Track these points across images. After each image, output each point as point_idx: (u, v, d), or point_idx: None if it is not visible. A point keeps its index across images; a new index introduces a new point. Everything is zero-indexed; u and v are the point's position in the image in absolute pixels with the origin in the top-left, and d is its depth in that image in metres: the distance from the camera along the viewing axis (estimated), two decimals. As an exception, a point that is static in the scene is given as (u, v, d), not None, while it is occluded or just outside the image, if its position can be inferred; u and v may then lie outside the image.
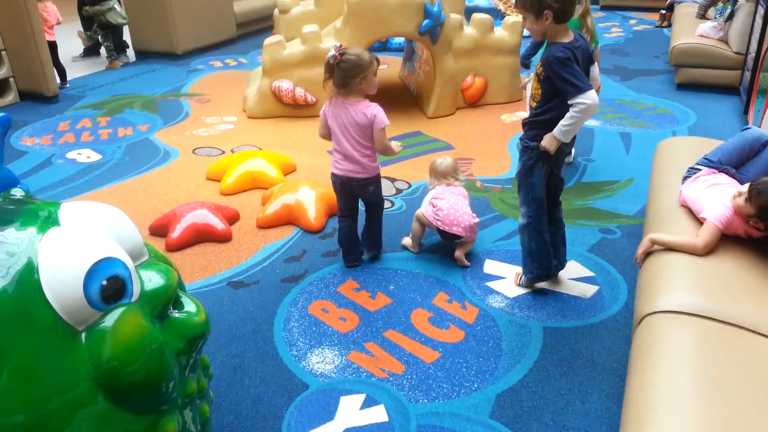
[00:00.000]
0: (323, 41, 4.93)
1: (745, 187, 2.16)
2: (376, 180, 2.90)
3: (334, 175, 2.90)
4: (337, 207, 2.99)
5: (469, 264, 3.03)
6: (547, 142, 2.46)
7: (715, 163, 2.53)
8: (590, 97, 2.34)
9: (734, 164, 2.52)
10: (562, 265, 2.84)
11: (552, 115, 2.44)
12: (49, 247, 1.40)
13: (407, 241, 3.16)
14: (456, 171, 3.17)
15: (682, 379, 1.67)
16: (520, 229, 2.73)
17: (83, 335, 1.40)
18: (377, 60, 2.76)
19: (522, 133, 2.62)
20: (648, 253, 2.31)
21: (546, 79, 2.40)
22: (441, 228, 2.96)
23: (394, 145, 2.85)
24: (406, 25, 4.65)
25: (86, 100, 5.70)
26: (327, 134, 2.89)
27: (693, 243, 2.18)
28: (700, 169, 2.53)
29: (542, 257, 2.71)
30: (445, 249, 3.13)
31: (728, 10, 5.34)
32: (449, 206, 2.96)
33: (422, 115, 5.08)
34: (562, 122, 2.40)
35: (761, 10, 4.68)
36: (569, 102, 2.36)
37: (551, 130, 2.44)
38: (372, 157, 2.84)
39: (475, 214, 3.06)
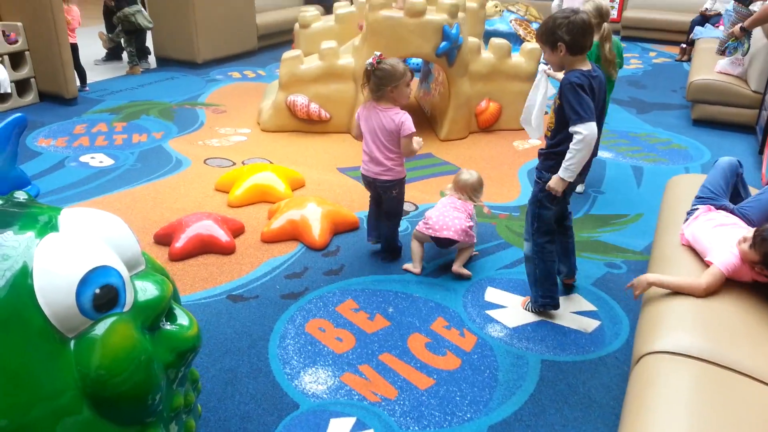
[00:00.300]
0: (341, 58, 4.96)
1: (751, 232, 2.14)
2: (399, 183, 3.04)
3: (362, 176, 3.11)
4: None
5: (470, 274, 3.07)
6: (555, 183, 2.50)
7: (708, 199, 2.53)
8: (589, 128, 2.37)
9: (726, 193, 2.56)
10: (572, 273, 2.95)
11: (567, 145, 2.45)
12: (45, 252, 1.40)
13: (408, 265, 3.15)
14: (474, 190, 3.22)
15: (676, 423, 1.64)
16: (525, 257, 2.76)
17: (72, 343, 1.40)
18: (411, 72, 2.94)
19: (538, 161, 2.66)
20: (651, 290, 2.28)
21: (559, 107, 2.46)
22: (432, 235, 3.03)
23: (416, 142, 2.97)
24: (423, 46, 4.67)
25: (104, 105, 5.77)
26: (359, 135, 3.05)
27: (695, 285, 2.15)
28: (697, 209, 2.53)
29: (546, 285, 2.72)
30: (447, 274, 3.11)
31: (745, 45, 5.30)
32: (438, 213, 3.07)
33: (434, 137, 5.08)
34: (564, 161, 2.44)
35: (781, 51, 4.66)
36: (570, 130, 2.40)
37: (551, 161, 2.51)
38: (397, 162, 2.99)
39: (470, 220, 3.07)
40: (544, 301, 2.75)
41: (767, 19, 4.98)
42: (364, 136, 2.98)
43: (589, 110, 2.38)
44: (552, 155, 2.54)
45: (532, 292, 2.80)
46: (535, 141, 5.01)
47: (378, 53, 2.92)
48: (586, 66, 2.45)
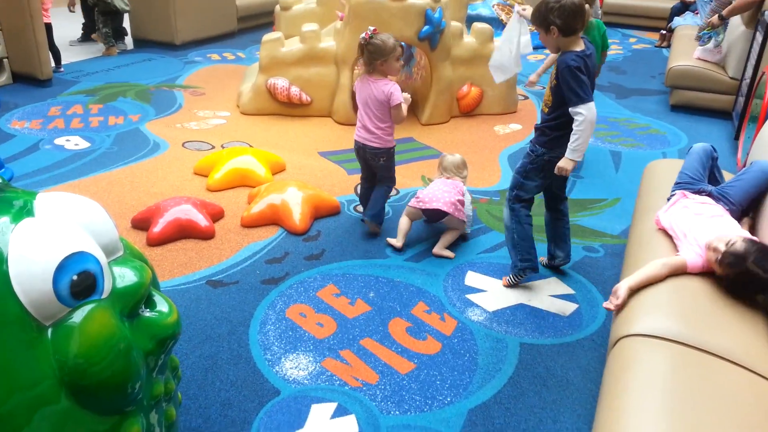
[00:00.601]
0: (322, 41, 4.91)
1: (722, 243, 2.11)
2: (387, 152, 3.20)
3: (355, 142, 3.27)
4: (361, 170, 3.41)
5: (452, 255, 3.13)
6: (564, 163, 2.60)
7: (687, 185, 2.56)
8: (589, 108, 2.48)
9: (704, 178, 2.60)
10: (568, 259, 3.00)
11: (562, 121, 2.58)
12: (21, 238, 1.37)
13: (391, 239, 3.20)
14: (459, 168, 3.33)
15: (652, 405, 1.67)
16: (505, 226, 2.88)
17: (49, 331, 1.38)
18: (401, 47, 3.11)
19: (534, 135, 2.78)
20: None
21: (557, 87, 2.56)
22: (422, 207, 3.11)
23: (405, 100, 3.11)
24: (405, 29, 4.64)
25: (80, 86, 5.66)
26: (355, 106, 3.29)
27: (658, 273, 2.18)
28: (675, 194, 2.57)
29: (524, 247, 2.80)
30: (428, 258, 3.12)
31: (720, 36, 5.36)
32: (429, 188, 3.19)
33: (416, 122, 5.07)
34: (570, 143, 2.55)
35: (759, 37, 4.71)
36: (570, 110, 2.51)
37: (561, 137, 2.60)
38: (386, 131, 3.16)
39: (460, 195, 3.13)
40: (524, 264, 2.81)
41: (746, 9, 5.03)
42: (359, 106, 3.18)
43: (589, 91, 2.49)
44: (547, 131, 2.66)
45: (512, 258, 2.87)
46: (516, 126, 5.04)
47: (372, 28, 3.05)
48: (580, 46, 2.54)
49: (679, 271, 2.19)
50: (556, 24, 2.46)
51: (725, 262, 2.07)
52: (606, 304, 2.20)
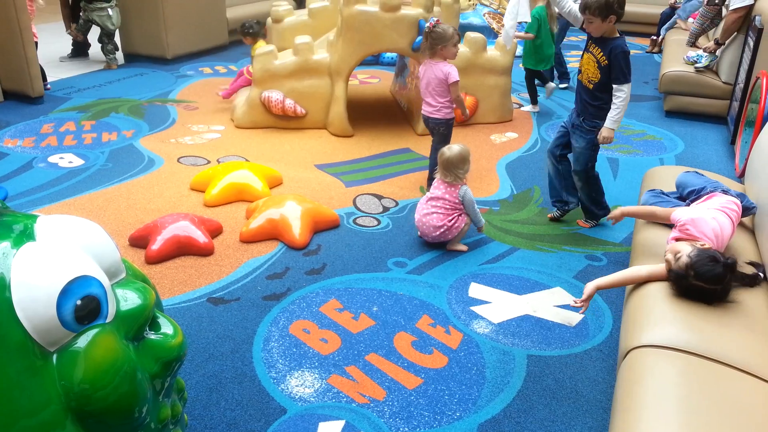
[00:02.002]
0: (315, 53, 4.90)
1: (672, 255, 2.16)
2: (446, 123, 3.80)
3: (422, 115, 3.91)
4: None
5: (465, 248, 3.28)
6: (607, 132, 3.20)
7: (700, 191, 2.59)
8: (629, 87, 3.10)
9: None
10: (578, 202, 3.57)
11: (606, 95, 3.15)
12: (23, 263, 1.34)
13: None
14: (455, 166, 3.21)
15: (667, 418, 1.65)
16: (580, 188, 3.47)
17: (54, 357, 1.35)
18: (458, 35, 3.74)
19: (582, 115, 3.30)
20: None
21: (607, 66, 3.07)
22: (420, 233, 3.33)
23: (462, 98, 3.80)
24: (399, 40, 4.64)
25: (71, 102, 5.61)
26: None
27: (635, 275, 2.25)
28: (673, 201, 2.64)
29: (603, 199, 3.57)
30: (431, 271, 3.09)
31: (709, 61, 5.41)
32: (419, 218, 3.27)
33: (412, 132, 5.06)
34: (612, 115, 3.14)
35: (750, 42, 4.73)
36: (615, 87, 3.08)
37: (604, 108, 3.16)
38: (445, 105, 3.75)
39: (443, 224, 3.18)
40: (605, 212, 3.50)
41: (736, 27, 5.08)
42: (422, 86, 3.78)
43: (631, 73, 3.06)
44: (594, 104, 3.21)
45: (592, 212, 3.51)
46: (512, 134, 5.04)
47: (435, 18, 3.71)
48: (617, 32, 3.11)
49: (658, 278, 2.19)
50: (618, 13, 2.99)
51: (670, 278, 2.13)
52: (572, 303, 2.39)
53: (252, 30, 5.44)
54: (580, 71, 3.29)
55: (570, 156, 3.47)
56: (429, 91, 3.74)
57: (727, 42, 5.27)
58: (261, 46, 5.04)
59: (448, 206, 3.20)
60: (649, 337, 1.98)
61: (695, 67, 5.40)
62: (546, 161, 3.63)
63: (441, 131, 3.80)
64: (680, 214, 2.37)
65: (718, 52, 5.40)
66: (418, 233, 3.36)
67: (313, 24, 5.67)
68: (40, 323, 1.31)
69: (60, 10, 7.20)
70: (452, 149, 3.24)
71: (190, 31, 7.22)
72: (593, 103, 3.20)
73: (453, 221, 3.20)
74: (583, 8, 3.05)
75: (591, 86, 3.17)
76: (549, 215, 3.64)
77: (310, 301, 2.82)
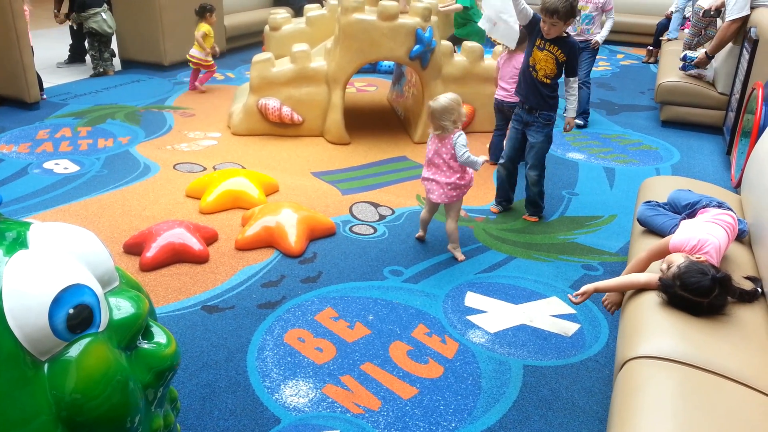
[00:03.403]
0: (313, 61, 4.90)
1: (665, 265, 2.16)
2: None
3: (495, 99, 4.46)
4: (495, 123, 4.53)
5: (463, 258, 3.28)
6: (571, 120, 3.63)
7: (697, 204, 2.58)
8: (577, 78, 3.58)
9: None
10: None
11: (555, 87, 3.52)
12: (15, 271, 1.33)
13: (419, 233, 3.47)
14: (442, 116, 3.07)
15: (663, 430, 1.64)
16: (533, 183, 3.68)
17: (46, 366, 1.33)
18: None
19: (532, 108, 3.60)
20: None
21: (566, 60, 3.44)
22: (426, 195, 3.32)
23: None
24: (396, 49, 4.64)
25: (68, 109, 5.60)
26: (497, 77, 4.43)
27: (635, 282, 2.25)
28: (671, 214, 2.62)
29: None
30: (427, 279, 3.08)
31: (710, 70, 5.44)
32: (430, 175, 3.23)
33: (408, 140, 5.06)
34: (569, 104, 3.57)
35: (746, 53, 4.75)
36: (569, 79, 3.52)
37: (555, 99, 3.55)
38: None
39: (452, 179, 3.17)
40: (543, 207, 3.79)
41: (728, 41, 5.11)
42: (502, 75, 4.32)
43: None
44: (548, 97, 3.51)
45: (539, 206, 3.75)
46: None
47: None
48: None
49: (655, 286, 2.19)
50: (576, 16, 3.46)
51: (660, 289, 2.13)
52: (570, 296, 2.42)
53: (197, 12, 5.89)
54: (533, 69, 3.48)
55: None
56: (505, 80, 4.27)
57: (719, 53, 5.29)
58: (203, 29, 5.36)
59: (445, 165, 3.15)
60: (646, 348, 1.97)
61: (684, 66, 5.44)
62: (500, 171, 3.80)
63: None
64: (680, 239, 2.28)
65: (708, 68, 5.41)
66: (421, 227, 3.42)
67: (311, 32, 5.69)
68: (31, 332, 1.30)
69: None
70: (438, 100, 3.12)
71: (187, 38, 7.19)
72: (551, 95, 3.51)
73: (460, 178, 3.17)
74: (551, 13, 3.25)
75: (549, 81, 3.47)
76: (494, 209, 3.89)
77: (305, 310, 2.80)
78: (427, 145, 3.26)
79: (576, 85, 3.54)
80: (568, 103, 3.57)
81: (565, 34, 3.41)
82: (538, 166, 3.62)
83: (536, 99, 3.52)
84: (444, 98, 3.11)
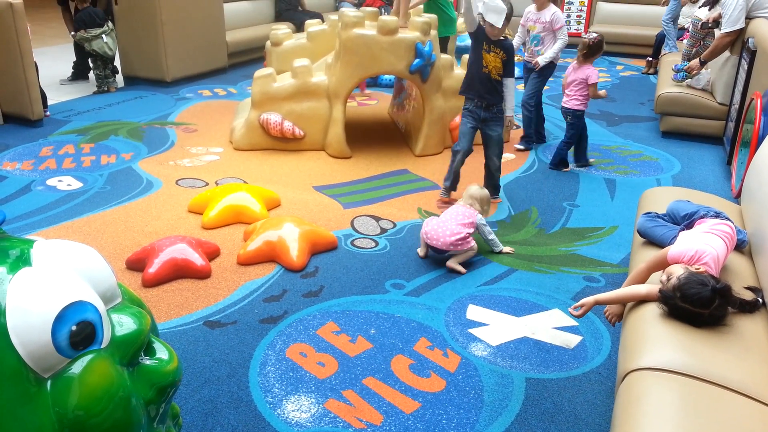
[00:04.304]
0: (314, 76, 4.94)
1: (665, 277, 2.16)
2: (574, 112, 4.77)
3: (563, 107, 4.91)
4: None
5: (464, 270, 3.29)
6: (512, 117, 4.07)
7: (696, 214, 2.58)
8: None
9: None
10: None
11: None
12: (19, 289, 1.34)
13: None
14: (480, 201, 3.49)
15: (666, 442, 1.63)
16: (496, 169, 4.20)
17: (48, 383, 1.34)
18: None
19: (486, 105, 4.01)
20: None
21: (506, 60, 3.88)
22: (426, 242, 3.38)
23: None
24: (396, 63, 4.68)
25: (71, 126, 5.64)
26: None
27: (636, 294, 2.25)
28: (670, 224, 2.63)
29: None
30: (428, 293, 3.09)
31: (684, 76, 5.47)
32: (436, 222, 3.37)
33: (410, 153, 5.08)
34: (508, 102, 3.96)
35: (745, 63, 4.78)
36: (507, 80, 3.91)
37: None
38: (581, 98, 4.71)
39: (462, 231, 3.26)
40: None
41: (722, 50, 5.14)
42: (568, 82, 4.77)
43: None
44: (497, 92, 3.95)
45: (498, 187, 4.22)
46: (509, 155, 5.06)
47: (595, 34, 4.73)
48: None
49: (656, 297, 2.18)
50: (510, 19, 3.81)
51: (660, 300, 2.13)
52: (571, 309, 2.39)
53: None
54: (486, 68, 3.88)
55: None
56: (573, 87, 4.76)
57: (717, 63, 5.32)
58: None
59: (464, 221, 3.33)
60: (647, 360, 1.97)
61: (675, 77, 5.48)
62: (456, 159, 4.10)
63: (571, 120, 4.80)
64: (678, 251, 2.28)
65: (702, 72, 5.43)
66: (421, 246, 3.44)
67: (312, 47, 5.72)
68: (34, 349, 1.31)
69: (61, 15, 7.16)
70: (483, 189, 3.59)
71: (189, 54, 7.28)
72: (501, 90, 3.93)
73: (469, 237, 3.31)
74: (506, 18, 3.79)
75: (500, 78, 3.89)
76: (442, 197, 4.17)
77: (307, 324, 2.81)
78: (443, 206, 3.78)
79: (512, 86, 3.92)
80: (507, 102, 3.95)
81: (503, 38, 3.89)
82: (500, 154, 4.12)
83: (493, 96, 3.94)
84: (486, 192, 3.56)
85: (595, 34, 4.70)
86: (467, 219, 3.35)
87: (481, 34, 3.88)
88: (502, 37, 3.90)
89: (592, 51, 4.65)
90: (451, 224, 3.30)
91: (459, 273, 3.28)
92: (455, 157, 4.09)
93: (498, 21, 3.74)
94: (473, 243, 3.33)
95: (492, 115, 4.01)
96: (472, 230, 3.34)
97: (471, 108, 4.05)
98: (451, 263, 3.30)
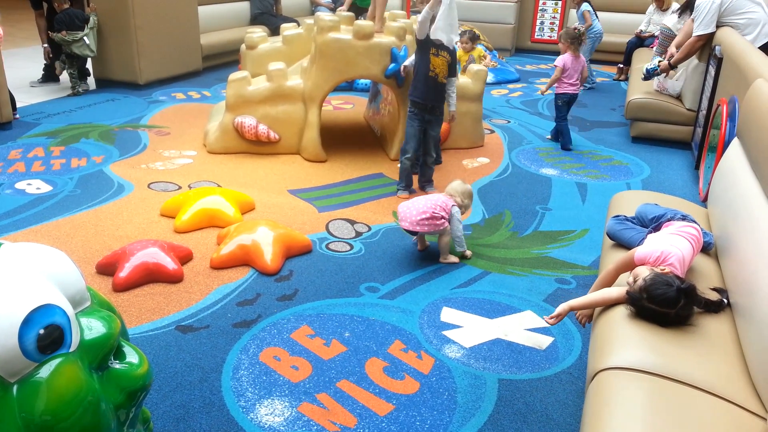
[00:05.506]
0: (289, 79, 4.93)
1: (632, 278, 2.20)
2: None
3: (566, 94, 5.48)
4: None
5: (456, 259, 3.45)
6: (454, 114, 4.45)
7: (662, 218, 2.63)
8: None
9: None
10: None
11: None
12: (-17, 292, 1.32)
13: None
14: (462, 194, 3.51)
15: (634, 441, 1.66)
16: (432, 162, 4.46)
17: (15, 388, 1.32)
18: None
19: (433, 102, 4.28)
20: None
21: (451, 62, 4.16)
22: (401, 225, 3.41)
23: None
24: (372, 68, 4.70)
25: (40, 128, 5.55)
26: (559, 77, 5.46)
27: (608, 298, 2.26)
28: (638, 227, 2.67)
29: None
30: (403, 295, 3.10)
31: (654, 70, 5.57)
32: (410, 202, 3.41)
33: (385, 157, 5.10)
34: (452, 100, 4.31)
35: (712, 70, 4.89)
36: (451, 79, 4.23)
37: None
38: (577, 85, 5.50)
39: (429, 211, 3.30)
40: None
41: (691, 55, 5.25)
42: (570, 72, 5.40)
43: None
44: (442, 93, 4.24)
45: (431, 181, 4.45)
46: (484, 159, 5.10)
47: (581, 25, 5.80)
48: None
49: (623, 301, 2.22)
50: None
51: (628, 302, 2.17)
52: (546, 318, 2.37)
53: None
54: (433, 71, 4.11)
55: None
56: (574, 75, 5.40)
57: (687, 71, 5.43)
58: None
59: (437, 204, 3.37)
60: (616, 360, 2.00)
61: (646, 77, 5.59)
62: (409, 162, 4.32)
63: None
64: (645, 252, 2.33)
65: (675, 78, 5.54)
66: (398, 220, 3.46)
67: (287, 51, 5.72)
68: (1, 353, 1.29)
69: (35, 20, 6.94)
70: (467, 185, 3.60)
71: (163, 57, 7.21)
72: (442, 90, 4.20)
73: (438, 217, 3.33)
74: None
75: (445, 81, 4.16)
76: (403, 195, 4.32)
77: (281, 328, 2.80)
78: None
79: (455, 84, 4.31)
80: (450, 99, 4.29)
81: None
82: (436, 151, 4.49)
83: (438, 98, 4.23)
84: (468, 187, 3.59)
85: (573, 27, 5.58)
86: (441, 204, 3.38)
87: (430, 41, 4.10)
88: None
89: (581, 40, 5.39)
90: (420, 204, 3.36)
91: (452, 262, 3.43)
92: (407, 161, 4.30)
93: (455, 38, 4.19)
94: (445, 224, 3.37)
95: (435, 117, 4.29)
96: (443, 214, 3.35)
97: (416, 111, 4.25)
98: (442, 258, 3.43)
